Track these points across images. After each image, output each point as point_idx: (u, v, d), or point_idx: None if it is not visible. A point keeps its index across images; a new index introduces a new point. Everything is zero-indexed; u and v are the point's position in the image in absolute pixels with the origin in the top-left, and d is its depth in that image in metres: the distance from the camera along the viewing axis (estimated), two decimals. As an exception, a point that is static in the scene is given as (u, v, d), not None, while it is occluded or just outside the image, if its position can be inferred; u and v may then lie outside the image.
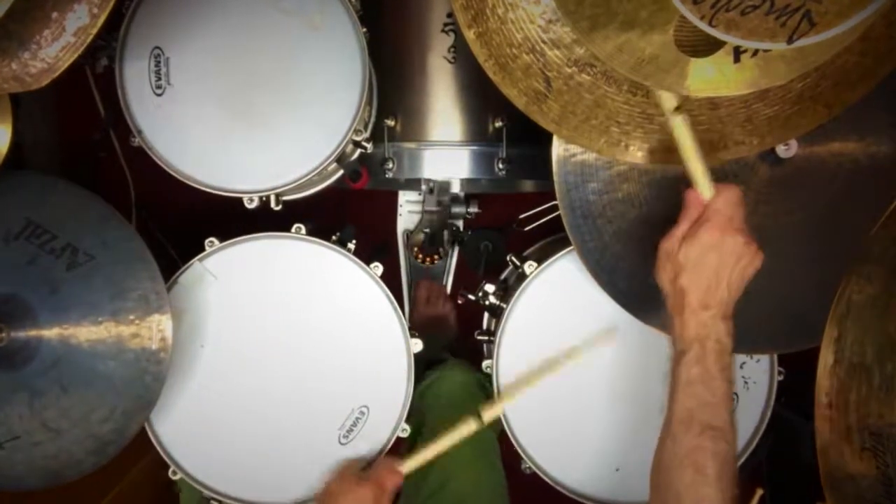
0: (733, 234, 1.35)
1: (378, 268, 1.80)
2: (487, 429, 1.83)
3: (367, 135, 1.89)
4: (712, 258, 1.36)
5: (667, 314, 1.44)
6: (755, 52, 1.19)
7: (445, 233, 2.55)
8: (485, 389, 1.94)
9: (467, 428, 1.70)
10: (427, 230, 2.57)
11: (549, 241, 2.20)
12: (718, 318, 1.37)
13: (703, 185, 1.39)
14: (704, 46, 1.20)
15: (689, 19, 1.13)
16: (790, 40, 1.11)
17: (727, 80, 1.23)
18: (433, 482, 1.84)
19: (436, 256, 2.70)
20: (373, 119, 2.04)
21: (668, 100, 1.35)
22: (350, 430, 1.80)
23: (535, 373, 1.77)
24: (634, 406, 1.79)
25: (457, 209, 2.38)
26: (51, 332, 1.59)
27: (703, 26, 1.12)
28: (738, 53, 1.20)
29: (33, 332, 1.58)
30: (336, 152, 1.78)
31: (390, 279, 1.82)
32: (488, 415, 1.71)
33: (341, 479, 1.70)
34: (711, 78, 1.23)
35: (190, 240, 1.79)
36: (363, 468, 1.77)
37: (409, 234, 2.72)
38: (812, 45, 1.12)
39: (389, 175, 2.06)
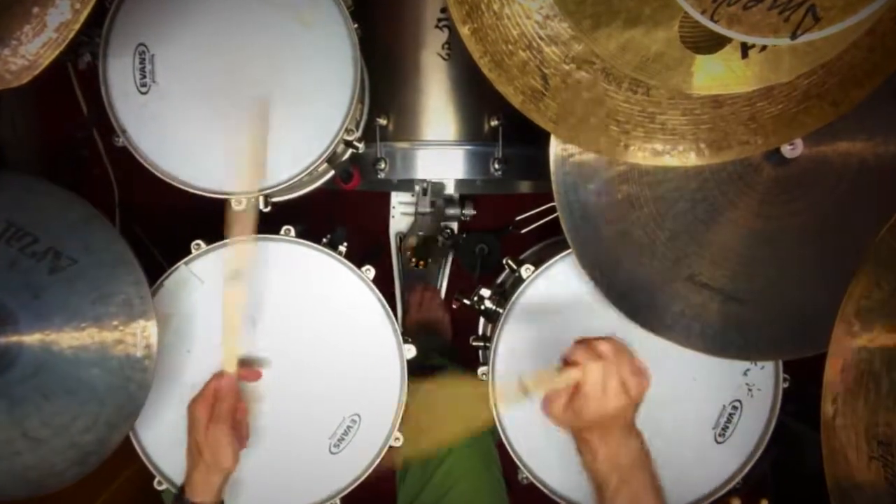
0: (608, 389, 1.39)
1: (370, 271, 1.80)
2: (488, 437, 1.83)
3: (358, 134, 1.88)
4: (600, 407, 1.40)
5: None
6: (763, 47, 1.18)
7: (439, 235, 2.55)
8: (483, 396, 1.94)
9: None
10: (421, 232, 2.57)
11: (547, 243, 2.19)
12: (623, 433, 1.43)
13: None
14: (710, 42, 1.20)
15: (691, 14, 1.13)
16: (794, 35, 1.11)
17: (736, 76, 1.23)
18: (435, 489, 1.84)
19: (429, 259, 2.70)
20: (364, 118, 2.04)
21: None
22: (341, 439, 1.79)
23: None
24: (635, 414, 1.79)
25: (451, 211, 2.38)
26: (32, 339, 1.58)
27: (705, 21, 1.12)
28: (745, 49, 1.19)
29: (14, 338, 1.57)
30: (327, 152, 1.77)
31: (382, 283, 1.82)
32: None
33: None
34: (719, 75, 1.23)
35: (175, 242, 1.79)
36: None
37: (402, 237, 2.72)
38: (822, 39, 1.12)
39: (382, 175, 2.05)
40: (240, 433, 1.66)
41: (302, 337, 1.80)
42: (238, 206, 1.75)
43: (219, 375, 1.66)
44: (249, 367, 1.75)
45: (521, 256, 2.13)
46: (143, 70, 1.75)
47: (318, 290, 1.80)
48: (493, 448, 1.93)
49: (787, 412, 1.85)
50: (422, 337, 2.55)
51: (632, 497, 1.38)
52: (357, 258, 1.81)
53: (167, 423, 1.78)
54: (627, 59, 1.25)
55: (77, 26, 1.19)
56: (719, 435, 1.79)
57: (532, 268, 1.80)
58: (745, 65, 1.21)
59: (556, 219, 1.64)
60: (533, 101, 1.46)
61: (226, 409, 1.61)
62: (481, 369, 1.83)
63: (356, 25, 1.75)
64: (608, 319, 1.74)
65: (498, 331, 1.80)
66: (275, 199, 1.96)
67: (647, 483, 1.40)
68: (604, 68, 1.39)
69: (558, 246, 1.82)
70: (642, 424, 1.76)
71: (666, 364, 1.71)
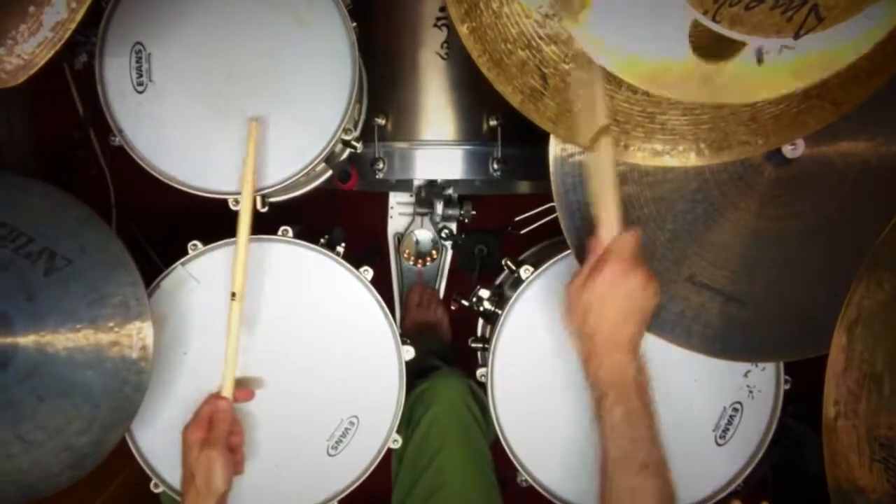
0: (633, 270, 1.42)
1: (368, 272, 1.80)
2: (480, 437, 1.83)
3: (356, 134, 1.88)
4: (615, 296, 1.42)
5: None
6: (780, 50, 1.18)
7: (438, 236, 2.55)
8: (479, 399, 1.93)
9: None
10: (419, 233, 2.56)
11: (546, 244, 2.19)
12: (630, 356, 1.43)
13: (608, 221, 1.45)
14: (723, 49, 1.19)
15: (692, 15, 1.12)
16: (797, 35, 1.11)
17: (754, 84, 1.22)
18: (424, 489, 1.83)
19: (428, 260, 2.70)
20: (363, 118, 2.04)
21: (599, 117, 1.36)
22: (339, 441, 1.79)
23: None
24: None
25: (450, 211, 2.37)
26: (27, 340, 1.58)
27: (707, 22, 1.12)
28: (760, 54, 1.19)
29: (8, 340, 1.57)
30: (324, 152, 1.77)
31: (381, 284, 1.81)
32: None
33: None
34: (735, 83, 1.23)
35: (172, 243, 1.78)
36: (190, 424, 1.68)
37: (400, 237, 2.72)
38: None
39: (380, 176, 2.06)
40: (235, 458, 1.65)
41: (299, 338, 1.80)
42: (235, 206, 1.75)
43: (214, 398, 1.66)
44: (243, 386, 1.74)
45: (521, 257, 2.13)
46: (139, 69, 1.75)
47: (315, 292, 1.80)
48: (485, 448, 1.92)
49: (789, 414, 1.85)
50: (420, 338, 2.54)
51: (627, 414, 1.40)
52: (355, 259, 1.81)
53: (163, 425, 1.77)
54: (637, 72, 1.24)
55: (73, 25, 1.19)
56: (720, 437, 1.79)
57: (531, 269, 1.80)
58: (763, 71, 1.20)
59: (556, 219, 1.63)
60: (532, 100, 1.46)
61: (220, 434, 1.61)
62: (480, 371, 1.83)
63: (354, 24, 1.75)
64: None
65: (497, 332, 1.80)
66: (272, 200, 1.95)
67: (643, 404, 1.41)
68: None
69: (558, 247, 1.82)
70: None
71: (666, 365, 1.70)
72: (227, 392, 1.66)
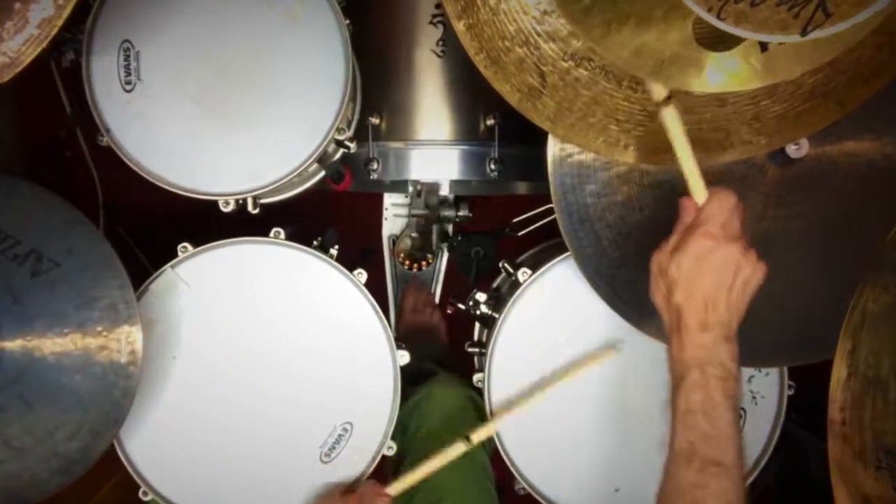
0: (728, 242, 1.32)
1: (362, 275, 1.79)
2: (480, 450, 1.82)
3: (350, 133, 1.88)
4: (707, 270, 1.32)
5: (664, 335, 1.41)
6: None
7: (434, 238, 2.55)
8: (477, 406, 1.93)
9: (456, 450, 1.70)
10: (414, 235, 2.56)
11: (544, 246, 2.19)
12: (720, 339, 1.33)
13: (695, 188, 1.37)
14: (728, 39, 1.19)
15: (696, 12, 1.12)
16: (804, 32, 1.10)
17: (756, 71, 1.22)
18: (423, 500, 1.83)
19: (423, 263, 2.70)
20: (356, 117, 2.04)
21: (657, 90, 1.34)
22: (332, 448, 1.79)
23: (528, 394, 1.77)
24: (636, 422, 1.79)
25: (446, 212, 2.37)
26: (13, 344, 1.57)
27: (711, 19, 1.12)
28: (764, 43, 1.19)
29: (-6, 344, 1.57)
30: (317, 152, 1.77)
31: (375, 287, 1.81)
32: (477, 436, 1.71)
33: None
34: (738, 72, 1.22)
35: (161, 245, 1.78)
36: (346, 491, 1.76)
37: (395, 240, 2.72)
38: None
39: (374, 176, 2.05)
40: None
41: (292, 343, 1.79)
42: (226, 207, 1.75)
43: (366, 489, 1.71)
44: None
45: (518, 259, 2.13)
46: (127, 67, 1.74)
47: (308, 295, 1.80)
48: (486, 461, 1.92)
49: (792, 420, 1.84)
50: (416, 343, 2.53)
51: (706, 402, 1.30)
52: (349, 261, 1.81)
53: (152, 431, 1.77)
54: (642, 65, 1.24)
55: (60, 22, 1.19)
56: (722, 444, 1.79)
57: (529, 271, 1.80)
58: (766, 59, 1.20)
59: (554, 221, 1.63)
60: (530, 99, 1.45)
61: None
62: (477, 376, 1.82)
63: (347, 21, 1.75)
64: (608, 324, 1.74)
65: (494, 336, 1.80)
66: (264, 201, 1.95)
67: (726, 395, 1.31)
68: (603, 66, 1.39)
69: (556, 249, 1.82)
70: (639, 435, 1.77)
71: (667, 370, 1.70)
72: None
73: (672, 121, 1.34)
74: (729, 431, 1.30)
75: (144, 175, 1.76)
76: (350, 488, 1.77)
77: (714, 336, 1.33)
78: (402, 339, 1.86)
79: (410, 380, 2.00)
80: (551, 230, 1.79)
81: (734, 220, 1.34)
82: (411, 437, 1.91)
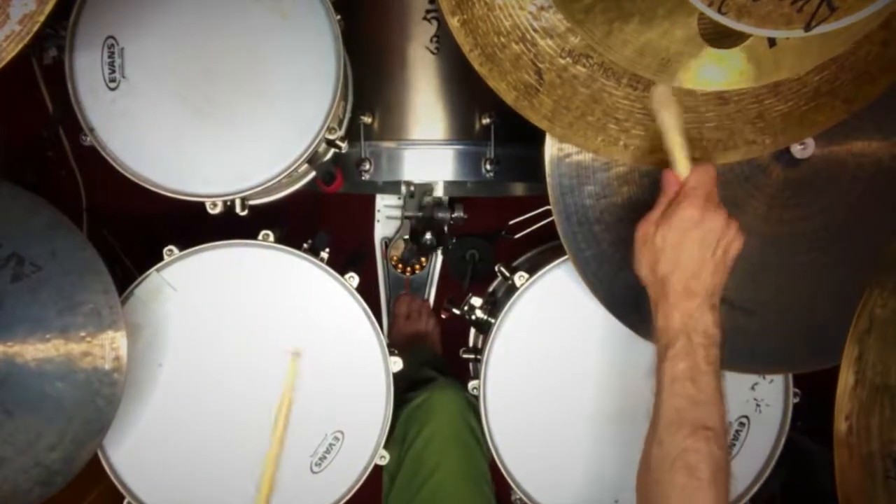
0: (712, 211, 1.37)
1: (353, 279, 1.79)
2: (480, 457, 1.82)
3: (341, 133, 1.88)
4: (692, 239, 1.37)
5: (648, 307, 1.45)
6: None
7: (427, 241, 2.54)
8: (478, 413, 1.92)
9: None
10: (407, 237, 2.56)
11: (542, 249, 2.19)
12: (705, 306, 1.38)
13: (681, 162, 1.40)
14: (733, 35, 1.19)
15: (697, 7, 1.12)
16: (808, 27, 1.10)
17: (764, 67, 1.22)
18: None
19: (417, 266, 2.69)
20: (348, 116, 2.03)
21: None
22: (323, 458, 1.79)
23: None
24: (635, 431, 1.78)
25: (440, 214, 2.37)
26: (-7, 351, 1.57)
27: (712, 14, 1.12)
28: (772, 38, 1.19)
29: (-26, 351, 1.57)
30: (307, 152, 1.76)
31: (367, 291, 1.81)
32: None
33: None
34: (744, 69, 1.23)
35: (147, 248, 1.78)
36: None
37: (387, 242, 2.72)
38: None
39: (366, 177, 2.05)
40: None
41: (281, 349, 1.79)
42: (214, 209, 1.75)
43: None
44: None
45: (515, 263, 2.13)
46: (111, 64, 1.74)
47: (298, 299, 1.79)
48: (485, 467, 1.92)
49: (797, 429, 1.84)
50: (409, 349, 2.54)
51: (691, 369, 1.35)
52: (340, 265, 1.81)
53: (137, 440, 1.77)
54: (647, 63, 1.24)
55: (42, 18, 1.19)
56: (725, 453, 1.79)
57: (526, 275, 1.80)
58: (771, 55, 1.20)
59: (552, 223, 1.63)
60: (527, 97, 1.45)
61: None
62: (472, 383, 1.82)
63: (339, 17, 1.75)
64: (607, 330, 1.74)
65: (490, 342, 1.79)
66: (252, 202, 1.95)
67: (710, 362, 1.35)
68: (602, 63, 1.39)
69: (554, 252, 1.82)
70: (638, 445, 1.76)
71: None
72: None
73: (659, 92, 1.36)
74: (714, 397, 1.35)
75: (129, 175, 1.75)
76: None
77: (699, 303, 1.37)
78: (395, 345, 1.86)
79: (408, 386, 2.00)
80: (549, 233, 1.78)
81: (714, 190, 1.39)
82: (411, 442, 1.90)
